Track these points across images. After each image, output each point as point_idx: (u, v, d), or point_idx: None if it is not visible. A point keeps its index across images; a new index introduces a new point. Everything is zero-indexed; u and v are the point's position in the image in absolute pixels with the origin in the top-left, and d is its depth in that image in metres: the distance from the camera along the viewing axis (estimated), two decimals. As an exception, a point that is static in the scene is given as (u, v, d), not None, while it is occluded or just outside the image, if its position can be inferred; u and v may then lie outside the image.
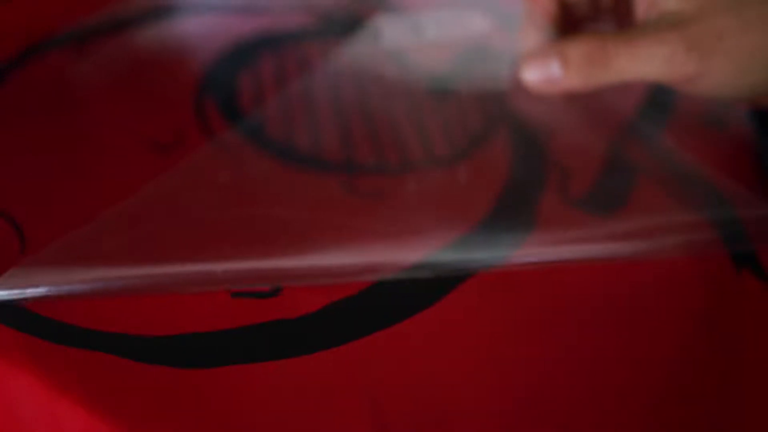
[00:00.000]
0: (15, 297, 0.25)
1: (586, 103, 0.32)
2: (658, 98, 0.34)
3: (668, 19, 0.28)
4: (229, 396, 0.23)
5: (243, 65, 0.35)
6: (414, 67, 0.35)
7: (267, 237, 0.27)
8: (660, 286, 0.27)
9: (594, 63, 0.28)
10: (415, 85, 0.34)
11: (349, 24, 0.38)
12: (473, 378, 0.24)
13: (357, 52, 0.36)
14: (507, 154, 0.31)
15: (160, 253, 0.25)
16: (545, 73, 0.30)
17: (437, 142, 0.31)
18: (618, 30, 0.32)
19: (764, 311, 0.26)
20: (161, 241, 0.26)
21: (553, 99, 0.32)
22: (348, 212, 0.28)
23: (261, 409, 0.23)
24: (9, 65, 0.34)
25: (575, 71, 0.29)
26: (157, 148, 0.31)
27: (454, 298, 0.26)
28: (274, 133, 0.31)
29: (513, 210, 0.29)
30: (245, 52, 0.36)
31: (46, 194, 0.28)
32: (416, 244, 0.27)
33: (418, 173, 0.30)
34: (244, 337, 0.24)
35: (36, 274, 0.25)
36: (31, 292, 0.25)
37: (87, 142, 0.31)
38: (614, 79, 0.29)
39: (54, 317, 0.24)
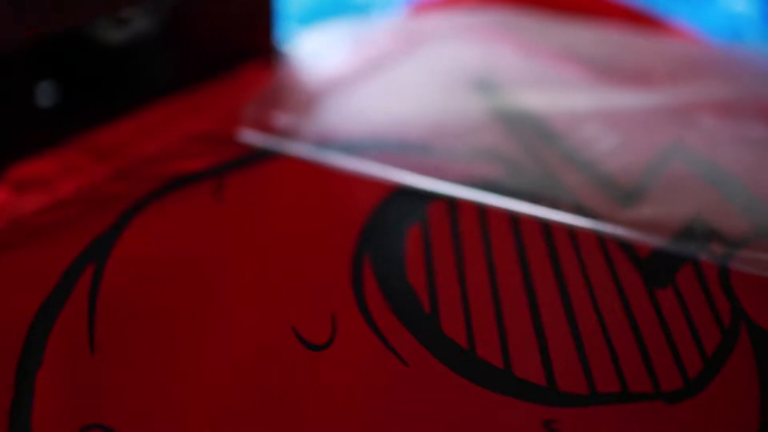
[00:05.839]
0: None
1: None
2: None
3: None
4: None
5: (408, 222, 0.27)
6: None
7: None
8: None
9: None
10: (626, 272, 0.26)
11: (543, 177, 0.29)
12: None
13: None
14: (753, 384, 0.23)
15: None
16: None
17: (660, 362, 0.23)
18: None
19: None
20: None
21: None
22: None
23: None
24: (141, 203, 0.27)
25: None
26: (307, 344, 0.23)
27: None
28: (451, 330, 0.23)
29: None
30: (411, 204, 0.28)
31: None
32: None
33: (642, 408, 0.22)
34: None
35: None
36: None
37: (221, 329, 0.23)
38: None
39: None
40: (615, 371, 0.23)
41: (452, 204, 0.28)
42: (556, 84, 0.35)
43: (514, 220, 0.28)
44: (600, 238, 0.27)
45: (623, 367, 0.23)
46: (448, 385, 0.22)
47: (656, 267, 0.26)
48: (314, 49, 0.37)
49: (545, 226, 0.27)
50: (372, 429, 0.21)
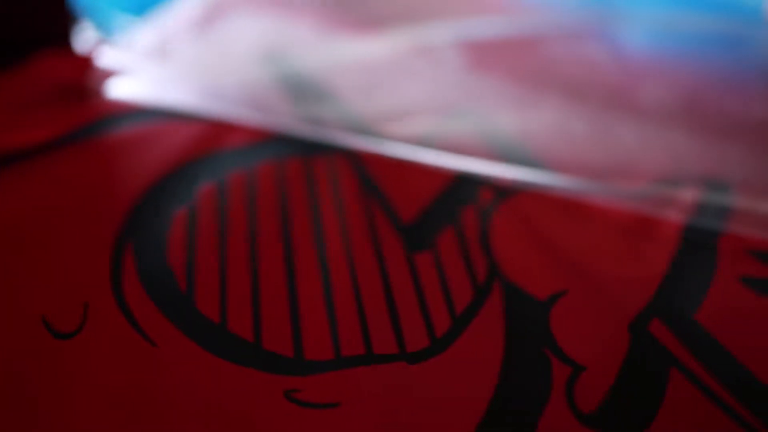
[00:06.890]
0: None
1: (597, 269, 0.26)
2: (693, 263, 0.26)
3: None
4: None
5: (177, 201, 0.27)
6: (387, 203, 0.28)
7: None
8: None
9: None
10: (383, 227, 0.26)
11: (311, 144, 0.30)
12: None
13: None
14: (499, 336, 0.24)
15: None
16: None
17: (408, 324, 0.24)
18: None
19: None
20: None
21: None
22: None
23: None
24: None
25: None
26: (54, 332, 0.23)
27: None
28: (205, 307, 0.24)
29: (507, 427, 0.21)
30: (180, 181, 0.28)
31: None
32: None
33: (385, 369, 0.23)
34: None
35: None
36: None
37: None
38: None
39: None
40: (362, 335, 0.24)
41: (221, 182, 0.28)
42: (344, 49, 0.35)
43: (282, 189, 0.28)
44: (367, 209, 0.28)
45: (371, 330, 0.24)
46: (195, 362, 0.23)
47: (417, 232, 0.27)
48: (115, 31, 0.37)
49: (312, 193, 0.28)
50: (118, 411, 0.22)
